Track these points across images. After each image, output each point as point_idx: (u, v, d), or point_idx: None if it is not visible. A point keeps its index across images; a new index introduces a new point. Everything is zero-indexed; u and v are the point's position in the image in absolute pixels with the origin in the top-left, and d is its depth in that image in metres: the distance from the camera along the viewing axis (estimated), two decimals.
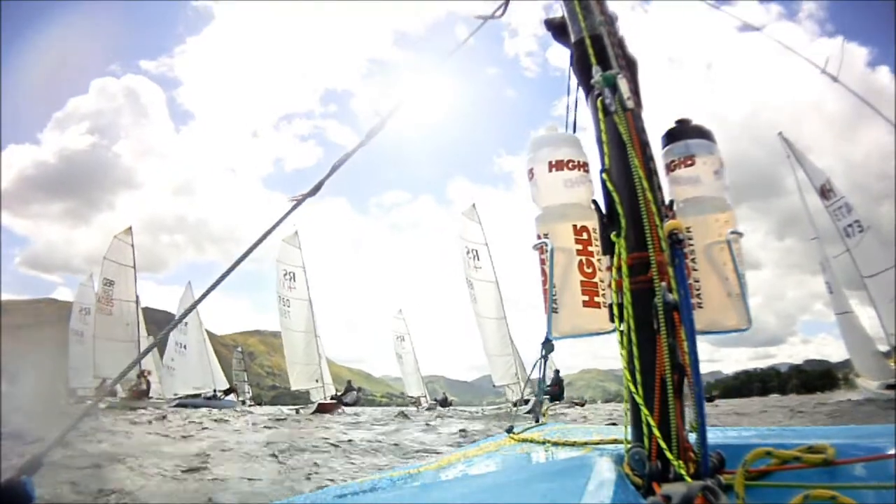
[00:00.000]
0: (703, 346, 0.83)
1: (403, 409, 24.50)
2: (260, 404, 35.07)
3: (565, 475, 0.90)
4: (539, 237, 0.98)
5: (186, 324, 25.93)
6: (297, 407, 21.33)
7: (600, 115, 0.97)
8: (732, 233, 0.99)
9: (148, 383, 23.77)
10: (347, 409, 20.21)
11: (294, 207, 1.12)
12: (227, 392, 25.55)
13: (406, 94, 1.26)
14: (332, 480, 4.39)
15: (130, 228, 26.33)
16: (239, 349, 36.89)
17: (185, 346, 26.77)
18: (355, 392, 23.32)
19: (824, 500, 0.71)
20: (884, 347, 14.07)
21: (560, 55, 1.22)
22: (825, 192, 14.91)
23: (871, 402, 12.42)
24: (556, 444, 1.25)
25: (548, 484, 0.87)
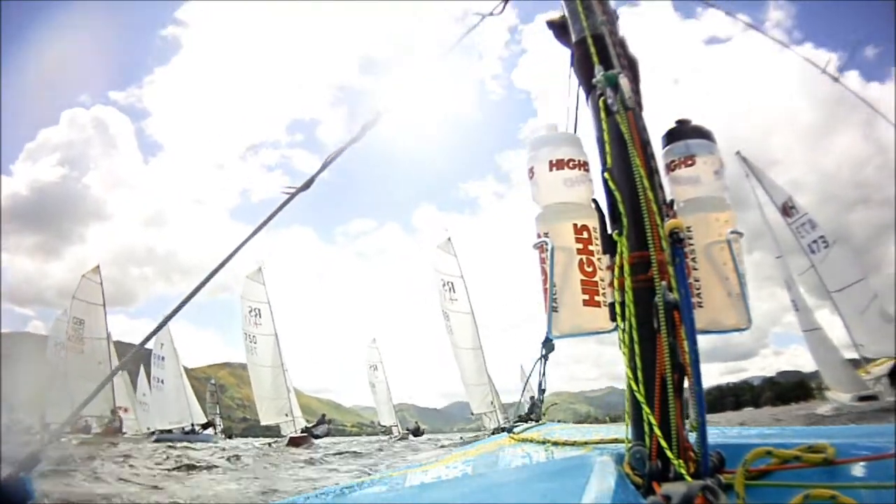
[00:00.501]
0: None
1: (379, 437, 25.73)
2: (230, 437, 35.02)
3: (565, 475, 0.89)
4: (539, 236, 0.98)
5: (163, 358, 26.93)
6: (268, 441, 21.73)
7: (602, 115, 0.97)
8: (732, 232, 0.99)
9: (120, 420, 24.48)
10: (321, 441, 20.77)
11: (286, 202, 1.12)
12: (205, 426, 25.96)
13: (399, 93, 1.27)
14: None
15: (98, 267, 26.71)
16: (212, 382, 37.11)
17: (162, 381, 27.28)
18: (326, 425, 23.83)
19: (824, 499, 0.71)
20: (853, 355, 14.34)
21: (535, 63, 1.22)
22: (787, 209, 15.20)
23: (841, 414, 12.55)
24: (556, 444, 1.25)
25: (548, 484, 0.87)
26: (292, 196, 1.12)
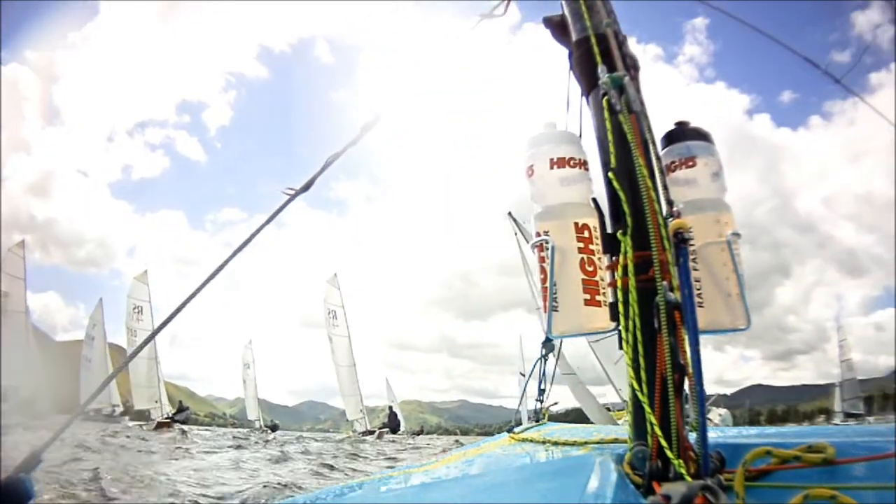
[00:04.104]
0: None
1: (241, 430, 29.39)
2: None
3: (565, 475, 0.90)
4: (539, 234, 0.98)
5: (94, 339, 29.05)
6: (139, 423, 25.16)
7: (605, 115, 0.96)
8: (732, 234, 0.99)
9: None
10: (184, 427, 23.88)
11: (287, 203, 1.13)
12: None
13: (402, 91, 1.27)
14: None
15: (23, 242, 28.21)
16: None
17: (90, 360, 28.81)
18: (186, 411, 27.27)
19: (824, 499, 0.71)
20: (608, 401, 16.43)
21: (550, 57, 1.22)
22: None
23: None
24: (556, 443, 1.25)
25: (548, 484, 0.87)
26: (293, 197, 1.13)
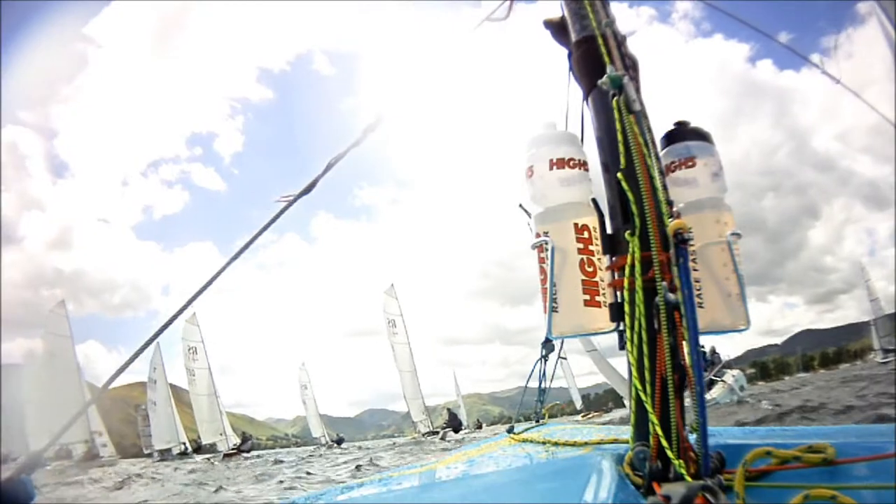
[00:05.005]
0: None
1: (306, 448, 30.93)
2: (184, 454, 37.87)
3: (565, 475, 0.90)
4: (538, 235, 0.98)
5: (156, 382, 30.16)
6: (207, 457, 26.11)
7: (607, 115, 0.96)
8: (732, 234, 0.99)
9: (96, 445, 26.29)
10: (249, 454, 25.46)
11: (287, 207, 1.11)
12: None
13: (401, 93, 1.27)
14: None
15: (63, 301, 29.76)
16: (142, 407, 38.93)
17: (155, 403, 30.11)
18: (250, 441, 29.70)
19: (824, 499, 0.71)
20: None
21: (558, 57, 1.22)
22: None
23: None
24: (556, 444, 1.25)
25: (548, 484, 0.87)
26: (294, 200, 1.11)
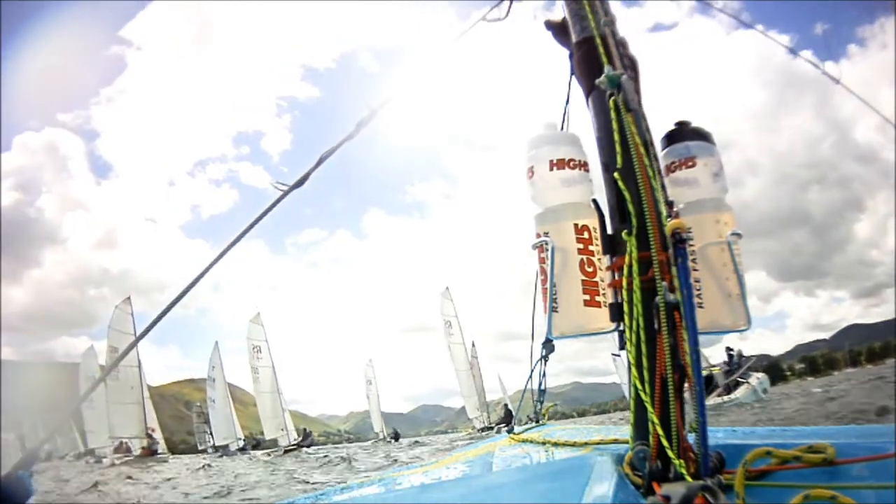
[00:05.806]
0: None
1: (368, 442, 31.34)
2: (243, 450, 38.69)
3: (565, 475, 0.89)
4: (539, 236, 0.98)
5: (214, 380, 31.22)
6: (267, 451, 26.49)
7: (606, 115, 0.97)
8: (732, 234, 0.99)
9: (155, 441, 26.59)
10: (310, 450, 24.99)
11: (280, 199, 1.11)
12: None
13: (395, 87, 1.26)
14: None
15: (129, 298, 29.45)
16: (197, 404, 39.75)
17: (213, 400, 31.02)
18: (311, 437, 29.12)
19: (824, 499, 0.71)
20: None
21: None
22: None
23: None
24: (556, 444, 1.25)
25: (548, 484, 0.87)
26: (286, 193, 1.10)
